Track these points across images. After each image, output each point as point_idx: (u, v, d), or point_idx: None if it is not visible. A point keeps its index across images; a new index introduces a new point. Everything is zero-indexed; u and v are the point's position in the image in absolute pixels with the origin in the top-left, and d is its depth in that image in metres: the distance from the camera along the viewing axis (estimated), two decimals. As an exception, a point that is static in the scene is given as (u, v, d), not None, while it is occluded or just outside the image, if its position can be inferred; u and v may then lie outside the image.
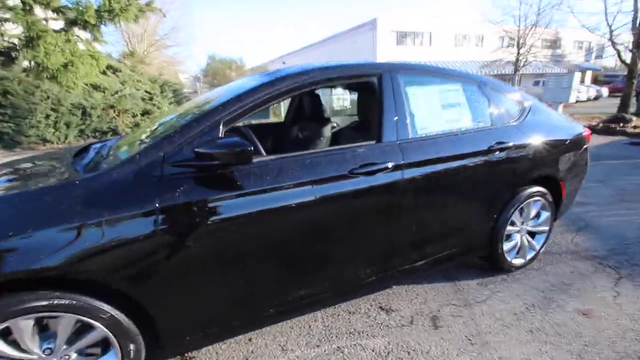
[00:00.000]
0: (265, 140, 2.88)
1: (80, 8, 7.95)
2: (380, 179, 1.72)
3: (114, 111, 10.00)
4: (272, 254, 1.57)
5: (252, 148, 1.36)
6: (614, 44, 11.01)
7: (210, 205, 1.38)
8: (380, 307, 2.09)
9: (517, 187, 2.26)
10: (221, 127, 1.48)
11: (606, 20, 10.88)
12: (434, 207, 1.99)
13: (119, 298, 1.29)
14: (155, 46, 23.84)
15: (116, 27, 8.80)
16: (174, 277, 1.36)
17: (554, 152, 2.39)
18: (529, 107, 2.43)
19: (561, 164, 2.44)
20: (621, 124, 9.56)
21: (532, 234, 2.52)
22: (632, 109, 11.32)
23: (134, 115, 10.42)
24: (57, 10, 8.14)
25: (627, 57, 10.95)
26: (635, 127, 9.28)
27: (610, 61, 30.33)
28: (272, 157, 1.56)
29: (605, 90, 23.23)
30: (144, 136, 1.71)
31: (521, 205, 2.31)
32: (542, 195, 2.40)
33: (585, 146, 2.65)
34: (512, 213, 2.28)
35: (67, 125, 9.28)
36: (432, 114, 2.05)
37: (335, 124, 3.09)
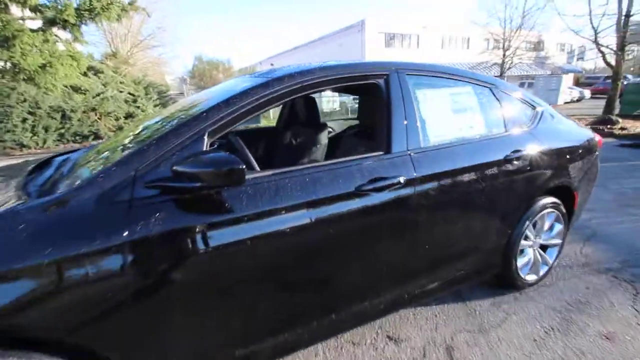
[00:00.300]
0: (256, 148, 2.65)
1: (59, 7, 7.57)
2: (391, 195, 1.51)
3: (96, 114, 9.62)
4: (267, 287, 1.34)
5: (244, 166, 1.12)
6: (598, 46, 11.09)
7: (193, 235, 1.14)
8: (388, 337, 1.87)
9: (531, 198, 2.09)
10: (206, 138, 1.24)
11: (591, 22, 10.97)
12: (450, 224, 1.79)
13: (81, 352, 1.05)
14: (140, 47, 23.19)
15: (98, 26, 8.46)
16: (148, 323, 1.12)
17: (568, 160, 2.23)
18: (541, 112, 2.27)
19: (575, 173, 2.28)
20: (608, 126, 9.62)
21: (544, 248, 2.35)
22: (617, 110, 11.46)
23: (116, 119, 10.05)
24: (35, 9, 7.73)
25: (611, 59, 11.05)
26: (622, 128, 9.35)
27: (590, 63, 31.00)
28: (268, 172, 1.33)
29: (587, 92, 23.62)
30: (113, 149, 1.45)
31: (535, 218, 2.14)
32: (556, 206, 2.23)
33: (596, 153, 2.51)
34: (527, 227, 2.11)
35: (46, 129, 8.88)
36: (444, 120, 1.86)
37: (331, 129, 2.88)
